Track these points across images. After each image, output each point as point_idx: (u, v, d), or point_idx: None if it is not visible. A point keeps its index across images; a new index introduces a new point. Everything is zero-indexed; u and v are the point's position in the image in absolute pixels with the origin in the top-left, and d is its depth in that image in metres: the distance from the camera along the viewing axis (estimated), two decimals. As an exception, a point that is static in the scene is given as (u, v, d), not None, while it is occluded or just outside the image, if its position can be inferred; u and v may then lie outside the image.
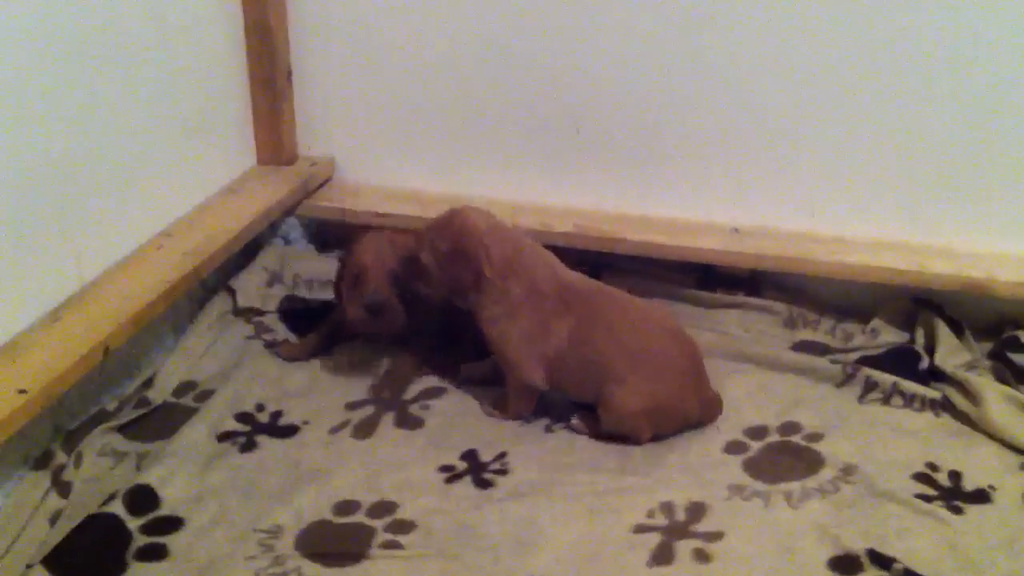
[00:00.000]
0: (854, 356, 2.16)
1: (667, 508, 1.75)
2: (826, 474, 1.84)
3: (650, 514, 1.74)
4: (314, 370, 2.13)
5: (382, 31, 2.43)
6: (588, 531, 1.71)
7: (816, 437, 1.94)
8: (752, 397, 2.04)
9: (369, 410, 2.01)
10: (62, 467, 1.81)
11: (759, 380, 2.09)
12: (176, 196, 2.25)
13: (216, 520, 1.71)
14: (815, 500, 1.78)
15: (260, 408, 2.00)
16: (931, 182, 2.25)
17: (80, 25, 1.90)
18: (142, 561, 1.63)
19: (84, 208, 1.96)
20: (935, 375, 2.09)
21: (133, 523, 1.69)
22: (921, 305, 2.24)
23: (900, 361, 2.11)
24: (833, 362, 2.11)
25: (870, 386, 2.05)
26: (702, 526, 1.72)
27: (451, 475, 1.84)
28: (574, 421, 1.95)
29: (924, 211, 2.27)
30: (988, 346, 2.18)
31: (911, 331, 2.22)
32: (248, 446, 1.90)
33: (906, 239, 2.29)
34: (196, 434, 1.90)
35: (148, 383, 2.05)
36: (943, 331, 2.16)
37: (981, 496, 1.79)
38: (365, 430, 1.96)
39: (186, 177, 2.28)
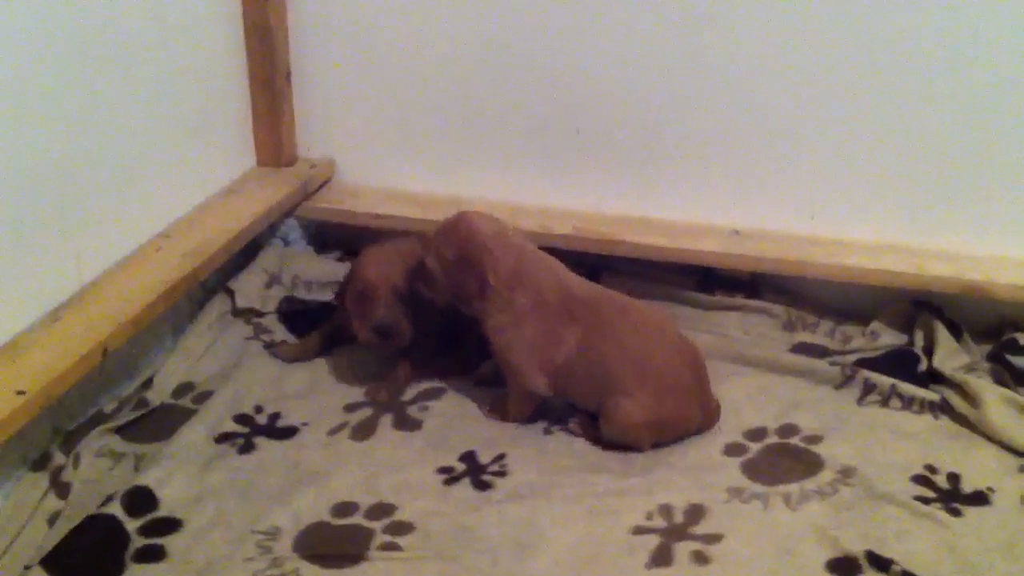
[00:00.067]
0: (853, 358, 2.16)
1: (666, 510, 1.75)
2: (825, 476, 1.84)
3: (649, 516, 1.74)
4: (313, 371, 2.13)
5: (382, 32, 2.43)
6: (587, 533, 1.70)
7: (815, 439, 1.94)
8: (751, 399, 2.04)
9: (368, 412, 2.01)
10: (61, 468, 1.81)
11: (758, 382, 2.09)
12: (176, 197, 2.25)
13: (214, 521, 1.71)
14: (814, 502, 1.78)
15: (259, 409, 2.00)
16: (931, 184, 2.25)
17: (80, 25, 1.90)
18: (140, 562, 1.63)
19: (84, 209, 1.96)
20: (934, 377, 2.09)
21: (131, 524, 1.69)
22: (920, 307, 2.24)
23: (899, 363, 2.11)
24: (832, 364, 2.11)
25: (869, 388, 2.05)
26: (701, 528, 1.72)
27: (450, 477, 1.84)
28: (572, 424, 1.95)
29: (924, 213, 2.27)
30: (987, 348, 2.17)
31: (910, 333, 2.22)
32: (247, 447, 1.90)
33: (906, 241, 2.29)
34: (194, 435, 1.90)
35: (147, 384, 2.05)
36: (942, 333, 2.16)
37: (980, 498, 1.79)
38: (364, 432, 1.95)
39: (186, 178, 2.28)
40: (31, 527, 1.70)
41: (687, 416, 1.90)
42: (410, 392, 2.07)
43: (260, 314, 2.28)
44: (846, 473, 1.84)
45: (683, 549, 1.67)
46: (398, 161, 2.54)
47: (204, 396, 2.03)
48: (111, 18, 1.98)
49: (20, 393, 1.68)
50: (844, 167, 2.28)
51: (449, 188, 2.50)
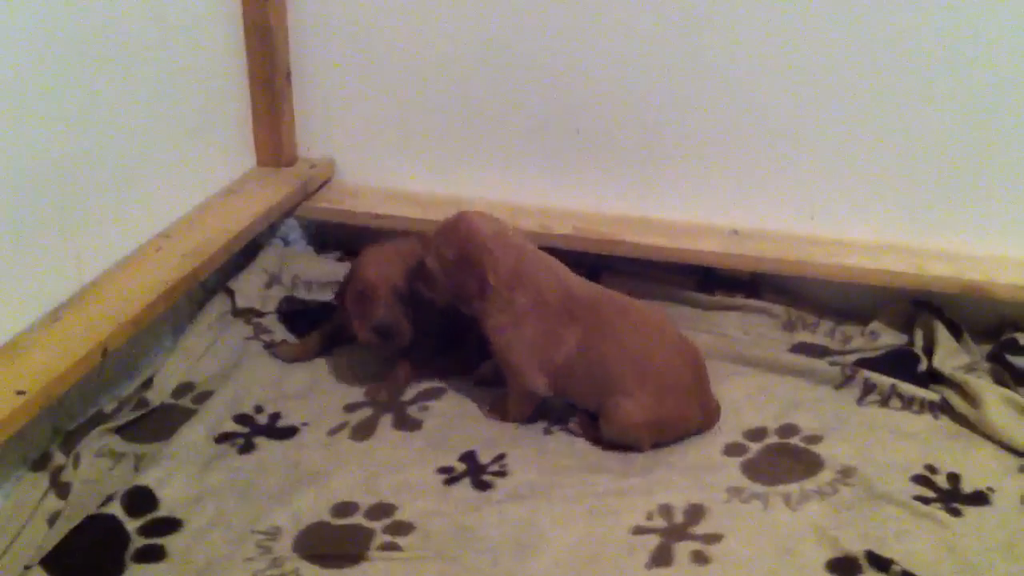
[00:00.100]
0: (853, 358, 2.16)
1: (666, 510, 1.75)
2: (825, 476, 1.84)
3: (649, 516, 1.74)
4: (313, 371, 2.13)
5: (382, 32, 2.43)
6: (587, 533, 1.70)
7: (815, 439, 1.94)
8: (751, 399, 2.04)
9: (368, 412, 2.01)
10: (61, 468, 1.81)
11: (758, 382, 2.09)
12: (175, 197, 2.25)
13: (214, 521, 1.71)
14: (814, 502, 1.78)
15: (259, 409, 2.00)
16: (931, 184, 2.25)
17: (80, 25, 1.90)
18: (140, 562, 1.63)
19: (84, 209, 1.96)
20: (934, 377, 2.09)
21: (131, 524, 1.69)
22: (920, 307, 2.24)
23: (899, 363, 2.11)
24: (832, 364, 2.12)
25: (869, 388, 2.05)
26: (701, 528, 1.72)
27: (450, 477, 1.84)
28: (572, 424, 1.95)
29: (924, 213, 2.27)
30: (987, 348, 2.17)
31: (910, 333, 2.22)
32: (247, 447, 1.90)
33: (906, 241, 2.29)
34: (194, 435, 1.90)
35: (147, 384, 2.05)
36: (942, 333, 2.16)
37: (980, 498, 1.79)
38: (364, 432, 1.95)
39: (186, 178, 2.28)
40: (31, 527, 1.70)
41: (687, 416, 1.91)
42: (410, 392, 2.07)
43: (260, 314, 2.28)
44: (846, 473, 1.84)
45: (683, 549, 1.67)
46: (398, 161, 2.54)
47: (204, 396, 2.03)
48: (111, 18, 1.98)
49: (20, 393, 1.68)
50: (844, 167, 2.28)
51: (449, 188, 2.50)
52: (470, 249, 1.87)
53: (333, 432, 1.95)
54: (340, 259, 2.49)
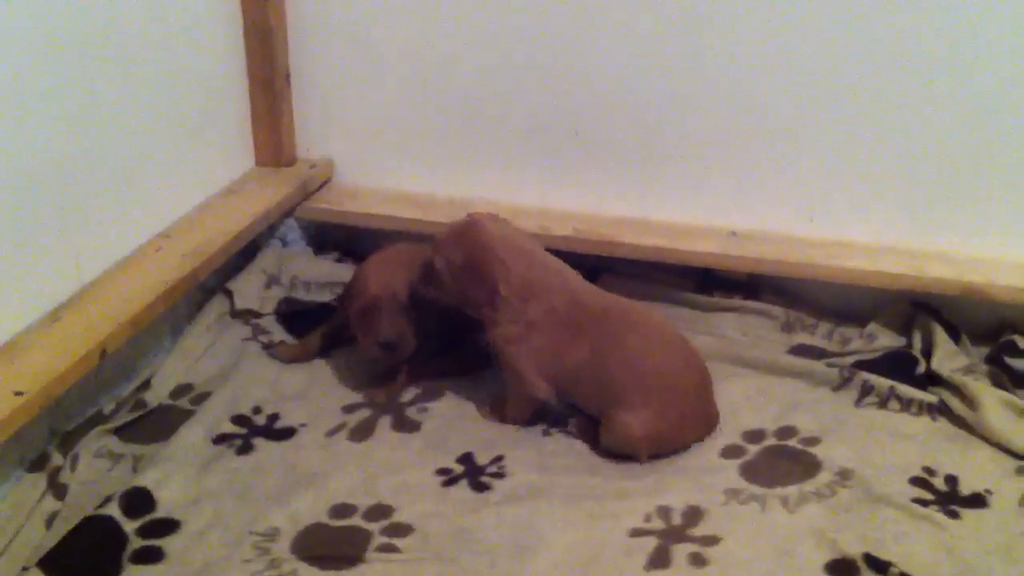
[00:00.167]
0: (851, 360, 2.15)
1: (664, 512, 1.75)
2: (823, 478, 1.84)
3: (647, 518, 1.74)
4: (312, 372, 2.12)
5: (381, 33, 2.43)
6: (585, 535, 1.70)
7: (813, 441, 1.93)
8: (749, 401, 2.04)
9: (366, 413, 2.01)
10: (58, 469, 1.81)
11: (756, 384, 2.09)
12: (175, 197, 2.25)
13: (212, 523, 1.71)
14: (812, 504, 1.77)
15: (257, 411, 2.00)
16: (930, 186, 2.25)
17: (80, 25, 1.90)
18: (138, 564, 1.63)
19: (83, 209, 1.96)
20: (932, 379, 2.08)
21: (129, 526, 1.68)
22: (918, 309, 2.24)
23: (897, 365, 2.11)
24: (830, 366, 2.11)
25: (867, 390, 2.05)
26: (699, 530, 1.71)
27: (448, 478, 1.84)
28: (570, 426, 1.95)
29: (923, 215, 2.27)
30: (985, 350, 2.17)
31: (908, 335, 2.22)
32: (245, 449, 1.90)
33: (905, 243, 2.28)
34: (193, 436, 1.90)
35: (145, 385, 2.05)
36: (940, 335, 2.16)
37: (978, 500, 1.79)
38: (362, 433, 1.95)
39: (185, 178, 2.28)
40: (29, 528, 1.70)
41: (688, 431, 1.90)
42: (409, 393, 2.07)
43: (259, 315, 2.28)
44: (844, 475, 1.84)
45: (681, 551, 1.67)
46: (397, 162, 2.54)
47: (202, 397, 2.02)
48: (111, 18, 1.98)
49: (18, 394, 1.68)
50: (843, 169, 2.28)
51: (449, 189, 2.50)
52: (480, 256, 1.86)
53: (331, 433, 1.95)
54: (339, 260, 2.49)
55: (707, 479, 1.83)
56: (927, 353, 2.15)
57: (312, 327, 2.20)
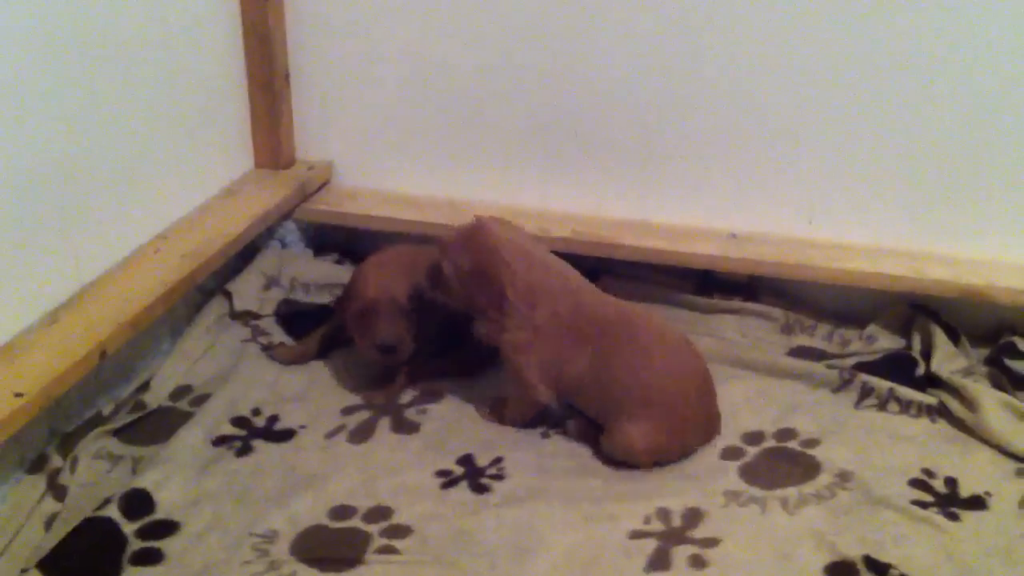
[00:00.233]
0: (850, 362, 2.15)
1: (664, 514, 1.75)
2: (823, 480, 1.84)
3: (647, 520, 1.74)
4: (311, 374, 2.12)
5: (380, 34, 2.43)
6: (585, 537, 1.70)
7: (813, 443, 1.93)
8: (749, 402, 2.04)
9: (365, 415, 2.01)
10: (58, 470, 1.80)
11: (756, 385, 2.09)
12: (174, 198, 2.25)
13: (211, 525, 1.71)
14: (812, 506, 1.77)
15: (256, 412, 2.00)
16: (930, 188, 2.25)
17: (80, 25, 1.90)
18: (137, 565, 1.63)
19: (82, 210, 1.96)
20: (931, 381, 2.09)
21: (128, 527, 1.68)
22: (918, 311, 2.24)
23: (896, 367, 2.11)
24: (830, 368, 2.11)
25: (866, 392, 2.05)
26: (699, 532, 1.71)
27: (447, 480, 1.84)
28: (569, 427, 1.94)
29: (923, 217, 2.27)
30: (985, 352, 2.17)
31: (907, 337, 2.22)
32: (244, 450, 1.90)
33: (905, 245, 2.29)
34: (192, 438, 1.89)
35: (144, 387, 2.05)
36: (939, 337, 2.16)
37: (977, 503, 1.79)
38: (361, 435, 1.95)
39: (184, 179, 2.28)
40: (28, 529, 1.70)
41: (689, 440, 1.89)
42: (408, 395, 2.07)
43: (258, 316, 2.28)
44: (844, 477, 1.84)
45: (681, 553, 1.67)
46: (396, 163, 2.54)
47: (202, 399, 2.02)
48: (111, 18, 1.98)
49: (18, 395, 1.68)
50: (843, 170, 2.28)
51: (448, 191, 2.50)
52: (488, 261, 1.85)
53: (331, 435, 1.95)
54: (338, 261, 2.49)
55: (707, 481, 1.83)
56: (927, 355, 2.15)
57: (311, 329, 2.20)
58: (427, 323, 2.01)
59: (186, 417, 1.96)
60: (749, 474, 1.86)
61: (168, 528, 1.70)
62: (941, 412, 2.01)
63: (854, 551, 1.66)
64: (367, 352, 2.01)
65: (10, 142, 1.77)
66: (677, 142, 2.35)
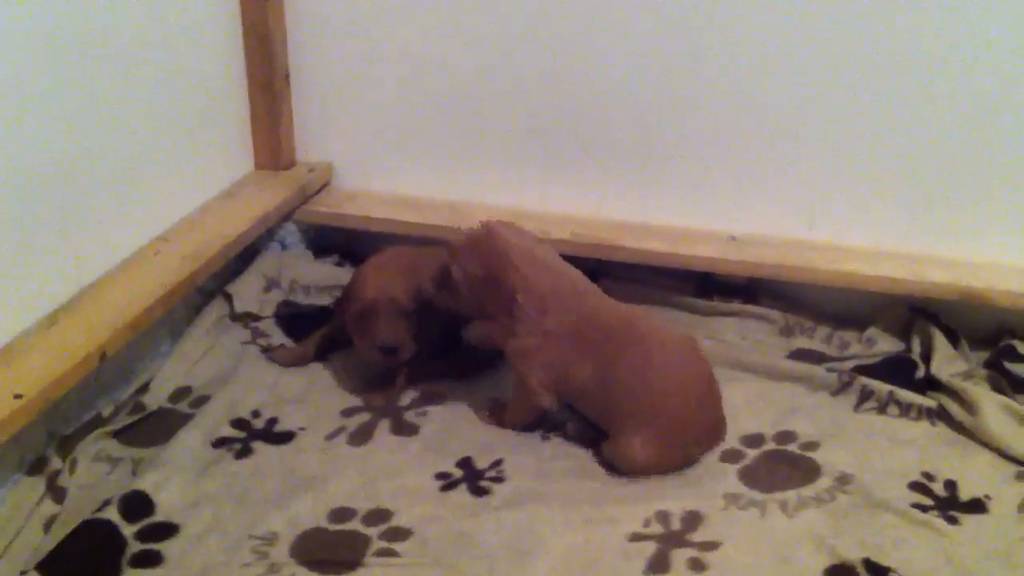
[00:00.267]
0: (850, 365, 2.15)
1: (663, 517, 1.75)
2: (822, 483, 1.84)
3: (646, 523, 1.74)
4: (311, 376, 2.12)
5: (380, 36, 2.42)
6: (584, 539, 1.70)
7: (812, 446, 1.93)
8: (748, 405, 2.04)
9: (365, 417, 2.00)
10: (57, 472, 1.80)
11: (755, 388, 2.09)
12: (174, 200, 2.24)
13: (211, 527, 1.70)
14: (811, 509, 1.77)
15: (256, 414, 1.99)
16: (930, 190, 2.25)
17: (80, 25, 1.90)
18: (137, 567, 1.62)
19: (82, 211, 1.96)
20: (931, 384, 2.08)
21: (128, 529, 1.68)
22: (917, 314, 2.24)
23: (896, 370, 2.11)
24: (829, 371, 2.11)
25: (866, 395, 2.05)
26: (698, 535, 1.71)
27: (447, 482, 1.84)
28: (569, 430, 1.94)
29: (923, 220, 2.27)
30: (984, 355, 2.17)
31: (907, 340, 2.22)
32: (243, 452, 1.89)
33: (905, 248, 2.28)
34: (191, 440, 1.89)
35: (144, 388, 2.05)
36: (939, 340, 2.16)
37: (977, 506, 1.79)
38: (361, 437, 1.95)
39: (184, 180, 2.28)
40: (27, 532, 1.69)
41: (692, 453, 1.87)
42: (407, 397, 2.06)
43: (258, 318, 2.28)
44: (843, 480, 1.84)
45: (680, 556, 1.67)
46: (397, 165, 2.53)
47: (201, 400, 2.02)
48: (111, 19, 1.98)
49: (17, 397, 1.68)
50: (843, 173, 2.28)
51: (448, 192, 2.50)
52: (499, 266, 1.84)
53: (330, 437, 1.94)
54: (338, 263, 2.49)
55: (706, 484, 1.83)
56: (926, 358, 2.15)
57: (311, 330, 2.20)
58: (428, 324, 2.01)
59: (186, 419, 1.96)
60: (749, 477, 1.86)
61: (167, 530, 1.70)
62: (941, 415, 2.01)
63: (854, 554, 1.66)
64: (368, 353, 2.01)
65: (10, 142, 1.77)
66: (677, 142, 2.35)
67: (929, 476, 1.86)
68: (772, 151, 2.30)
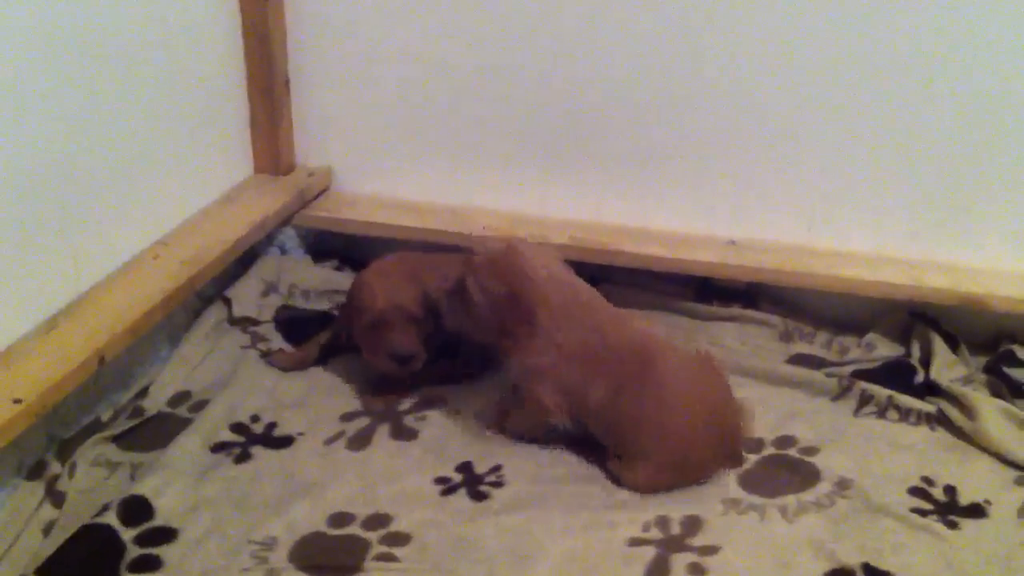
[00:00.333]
0: (849, 369, 2.15)
1: (662, 522, 1.75)
2: (822, 488, 1.84)
3: (646, 527, 1.73)
4: (310, 380, 2.12)
5: (380, 40, 2.42)
6: (584, 544, 1.70)
7: (812, 451, 1.93)
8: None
9: (364, 421, 2.00)
10: (56, 477, 1.80)
11: (755, 393, 2.09)
12: (173, 204, 2.24)
13: (210, 531, 1.70)
14: (811, 514, 1.77)
15: (255, 419, 1.99)
16: (930, 196, 2.25)
17: (80, 26, 1.90)
18: (135, 572, 1.62)
19: (81, 215, 1.96)
20: (931, 389, 2.08)
21: (127, 534, 1.68)
22: (916, 319, 2.24)
23: (895, 375, 2.11)
24: (829, 375, 2.11)
25: (865, 400, 2.05)
26: (698, 540, 1.71)
27: (446, 487, 1.83)
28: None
29: (923, 225, 2.28)
30: (984, 360, 2.18)
31: (907, 345, 2.22)
32: (243, 457, 1.89)
33: (905, 253, 2.29)
34: (190, 445, 1.89)
35: (143, 393, 2.05)
36: (938, 345, 2.16)
37: (977, 511, 1.79)
38: (360, 441, 1.95)
39: (183, 185, 2.28)
40: (26, 536, 1.69)
41: (702, 476, 1.85)
42: (407, 401, 2.06)
43: (257, 323, 2.28)
44: (843, 485, 1.84)
45: (680, 561, 1.66)
46: (396, 169, 2.53)
47: (200, 405, 2.02)
48: (111, 19, 1.97)
49: (16, 402, 1.67)
50: (842, 178, 2.28)
51: (447, 197, 2.50)
52: (520, 285, 1.83)
53: (330, 442, 1.94)
54: (337, 268, 2.49)
55: (706, 489, 1.83)
56: (926, 363, 2.15)
57: (310, 335, 2.20)
58: (438, 331, 2.00)
59: (185, 423, 1.96)
60: (748, 482, 1.85)
61: (167, 535, 1.69)
62: (940, 420, 2.01)
63: (853, 559, 1.66)
64: (381, 364, 2.00)
65: (10, 143, 1.77)
66: (677, 143, 2.35)
67: (929, 481, 1.86)
68: (772, 152, 2.30)
